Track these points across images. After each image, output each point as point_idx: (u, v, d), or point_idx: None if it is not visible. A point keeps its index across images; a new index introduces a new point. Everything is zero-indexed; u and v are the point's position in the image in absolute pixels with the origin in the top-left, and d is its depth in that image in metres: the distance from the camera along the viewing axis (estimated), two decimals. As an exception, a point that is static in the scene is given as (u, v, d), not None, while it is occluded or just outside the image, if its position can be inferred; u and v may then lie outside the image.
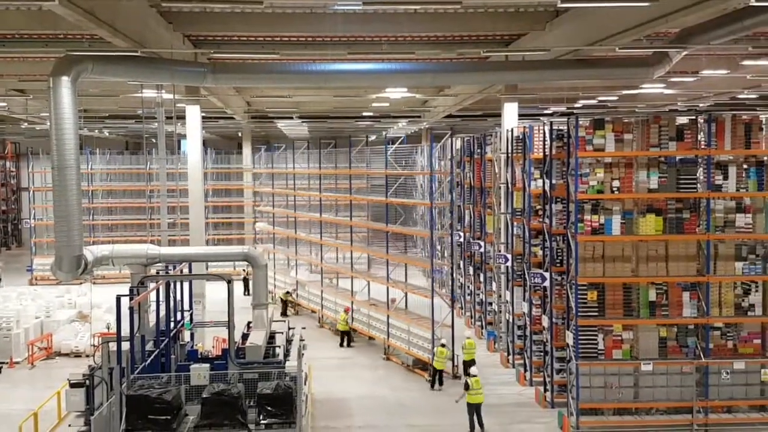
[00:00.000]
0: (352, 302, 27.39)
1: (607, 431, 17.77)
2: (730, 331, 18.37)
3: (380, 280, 26.19)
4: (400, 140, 28.51)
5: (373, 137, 34.62)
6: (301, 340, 18.57)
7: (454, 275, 30.91)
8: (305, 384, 17.68)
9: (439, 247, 33.99)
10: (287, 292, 33.14)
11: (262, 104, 39.52)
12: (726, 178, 18.21)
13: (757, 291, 18.28)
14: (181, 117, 26.97)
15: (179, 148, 39.85)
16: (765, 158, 18.26)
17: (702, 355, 18.04)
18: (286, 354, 17.38)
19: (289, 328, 19.77)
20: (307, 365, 19.94)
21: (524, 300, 22.29)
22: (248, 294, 35.54)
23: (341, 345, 27.18)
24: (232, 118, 42.42)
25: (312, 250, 33.02)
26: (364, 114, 43.59)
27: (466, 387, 18.40)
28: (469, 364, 21.41)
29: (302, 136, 59.00)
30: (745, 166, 18.32)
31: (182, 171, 29.44)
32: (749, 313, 18.28)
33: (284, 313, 31.92)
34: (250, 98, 37.49)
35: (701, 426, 17.82)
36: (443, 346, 21.51)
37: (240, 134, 51.18)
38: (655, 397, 18.08)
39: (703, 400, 17.98)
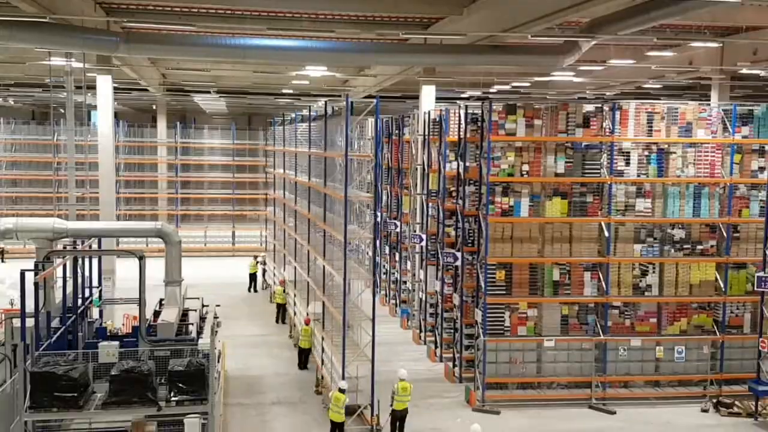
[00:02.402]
0: (307, 313, 22.28)
1: (511, 404, 18.56)
2: (627, 310, 19.41)
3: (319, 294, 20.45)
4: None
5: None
6: (215, 317, 18.49)
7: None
8: (219, 361, 17.63)
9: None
10: (256, 260, 32.72)
11: (178, 77, 38.54)
12: (628, 164, 19.17)
13: (654, 272, 19.37)
14: (92, 87, 26.08)
15: (89, 119, 38.45)
16: (665, 146, 19.28)
17: (601, 333, 19.02)
18: (200, 331, 17.29)
19: (203, 306, 19.64)
20: (221, 343, 19.84)
21: (437, 279, 22.84)
22: (255, 291, 32.89)
23: (276, 321, 26.56)
24: (147, 90, 41.23)
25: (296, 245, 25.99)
26: (284, 91, 43.19)
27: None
28: (400, 415, 16.44)
29: (220, 111, 57.93)
30: (646, 153, 19.29)
31: (92, 143, 28.49)
32: (646, 293, 19.38)
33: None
34: (166, 70, 36.52)
35: (599, 400, 18.81)
36: (342, 391, 16.01)
37: (155, 107, 49.78)
38: (556, 372, 18.98)
39: (601, 375, 18.98)
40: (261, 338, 25.35)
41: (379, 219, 30.77)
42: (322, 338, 19.72)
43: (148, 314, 17.41)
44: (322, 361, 19.38)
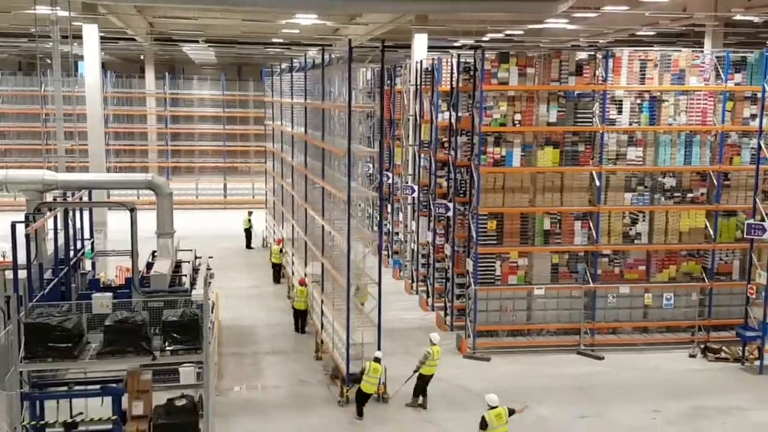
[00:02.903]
0: (305, 274, 21.19)
1: (502, 351, 18.84)
2: (617, 258, 19.59)
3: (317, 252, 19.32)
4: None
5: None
6: (208, 269, 18.54)
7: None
8: (212, 312, 17.77)
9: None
10: (250, 215, 31.38)
11: (165, 26, 37.88)
12: (620, 112, 19.09)
13: (644, 220, 19.49)
14: (78, 36, 25.61)
15: (76, 69, 37.86)
16: (657, 94, 19.18)
17: (590, 280, 19.22)
18: (193, 282, 17.37)
19: (196, 258, 19.69)
20: (214, 293, 19.98)
21: (429, 229, 22.93)
22: (251, 247, 32.11)
23: (274, 281, 26.13)
24: (134, 39, 40.54)
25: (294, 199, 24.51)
26: (274, 41, 42.57)
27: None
28: (428, 380, 15.84)
29: (209, 61, 57.12)
30: (638, 102, 19.20)
31: (80, 94, 28.13)
32: (636, 242, 19.53)
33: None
34: (153, 19, 35.84)
35: (588, 346, 19.12)
36: (377, 360, 15.33)
37: (143, 57, 49.04)
38: (546, 319, 19.24)
39: (590, 322, 19.25)
40: (255, 290, 25.53)
41: (370, 170, 30.74)
42: (322, 301, 18.64)
43: (141, 266, 17.47)
44: (322, 325, 18.53)
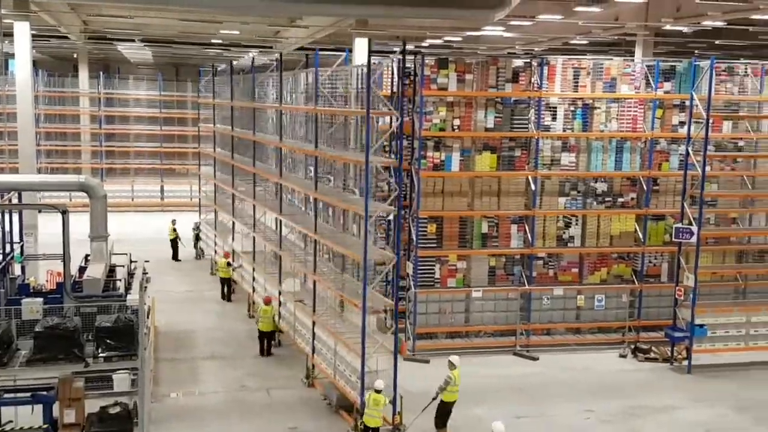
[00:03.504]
0: (280, 292, 19.51)
1: (441, 353, 19.01)
2: (551, 261, 20.07)
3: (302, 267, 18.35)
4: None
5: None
6: (144, 273, 18.20)
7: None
8: (148, 317, 17.42)
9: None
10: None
11: (100, 24, 36.94)
12: (554, 119, 19.58)
13: (577, 224, 20.04)
14: (9, 34, 24.82)
15: (7, 68, 36.62)
16: (590, 101, 19.74)
17: (526, 283, 19.63)
18: (128, 287, 17.03)
19: (131, 262, 19.31)
20: (150, 298, 19.58)
21: (369, 232, 22.94)
22: (178, 260, 29.84)
23: (222, 298, 24.25)
24: (67, 37, 39.43)
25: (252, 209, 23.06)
26: (213, 41, 42.02)
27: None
28: (448, 410, 14.69)
29: (146, 61, 55.99)
30: (572, 108, 19.74)
31: (10, 93, 27.22)
32: (569, 245, 20.05)
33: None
34: (87, 17, 34.92)
35: (523, 347, 19.52)
36: (379, 392, 13.90)
37: (76, 56, 47.70)
38: (483, 321, 19.57)
39: (525, 323, 19.66)
40: (193, 294, 25.15)
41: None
42: (314, 323, 16.96)
43: (74, 270, 17.04)
44: (314, 348, 16.93)
